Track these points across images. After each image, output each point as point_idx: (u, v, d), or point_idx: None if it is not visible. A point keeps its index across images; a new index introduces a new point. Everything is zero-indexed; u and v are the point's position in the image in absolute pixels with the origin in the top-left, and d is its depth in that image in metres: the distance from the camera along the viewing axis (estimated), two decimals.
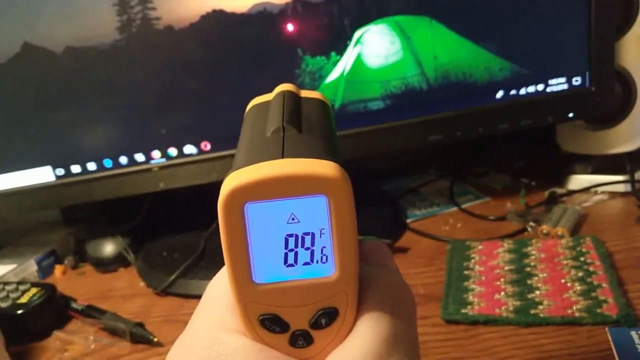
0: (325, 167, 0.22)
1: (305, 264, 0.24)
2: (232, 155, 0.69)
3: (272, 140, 0.24)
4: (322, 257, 0.24)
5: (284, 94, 0.27)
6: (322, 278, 0.24)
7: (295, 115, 0.25)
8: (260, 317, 0.24)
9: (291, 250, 0.23)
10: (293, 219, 0.23)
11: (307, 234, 0.23)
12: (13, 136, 0.61)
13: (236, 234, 0.23)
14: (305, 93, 0.28)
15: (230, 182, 0.22)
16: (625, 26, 0.62)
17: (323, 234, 0.23)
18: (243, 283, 0.24)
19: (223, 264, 0.24)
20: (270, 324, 0.24)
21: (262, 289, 0.24)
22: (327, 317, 0.24)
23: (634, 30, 0.61)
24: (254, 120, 0.27)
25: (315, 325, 0.24)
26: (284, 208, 0.23)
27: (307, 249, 0.23)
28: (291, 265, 0.24)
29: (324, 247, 0.24)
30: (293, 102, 0.26)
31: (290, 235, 0.23)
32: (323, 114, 0.27)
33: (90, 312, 0.57)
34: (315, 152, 0.23)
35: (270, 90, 0.29)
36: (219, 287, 0.26)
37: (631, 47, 0.63)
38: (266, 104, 0.27)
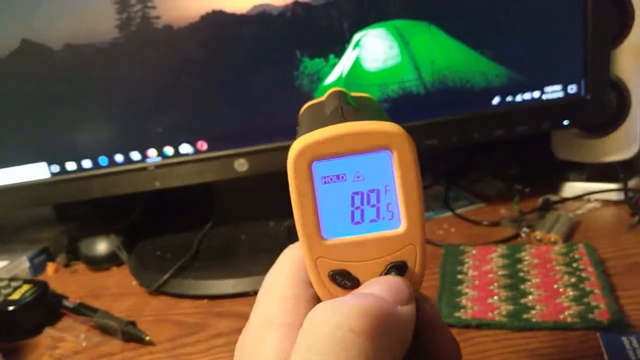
0: (387, 125, 0.24)
1: (372, 221, 0.25)
2: (229, 156, 0.69)
3: (332, 116, 0.25)
4: (388, 214, 0.25)
5: (335, 91, 0.28)
6: (390, 232, 0.25)
7: (351, 101, 0.27)
8: (331, 273, 0.25)
9: (357, 207, 0.25)
10: (358, 177, 0.24)
11: (372, 191, 0.24)
12: (9, 132, 0.61)
13: (305, 192, 0.24)
14: (354, 93, 0.29)
15: (298, 144, 0.24)
16: (620, 36, 0.62)
17: (388, 190, 0.24)
18: (313, 239, 0.25)
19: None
20: (340, 278, 0.25)
21: (331, 244, 0.25)
22: (397, 270, 0.25)
23: (629, 40, 0.62)
24: (311, 113, 0.28)
25: None
26: (349, 166, 0.24)
27: (373, 206, 0.25)
28: (358, 222, 0.25)
29: (389, 203, 0.25)
30: (346, 94, 0.28)
31: (356, 193, 0.24)
32: (376, 103, 0.28)
33: (82, 310, 0.57)
34: (375, 119, 0.24)
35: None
36: (271, 279, 0.27)
37: (626, 57, 0.63)
38: (320, 103, 0.29)
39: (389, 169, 0.24)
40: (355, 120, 0.24)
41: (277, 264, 0.28)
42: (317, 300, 0.26)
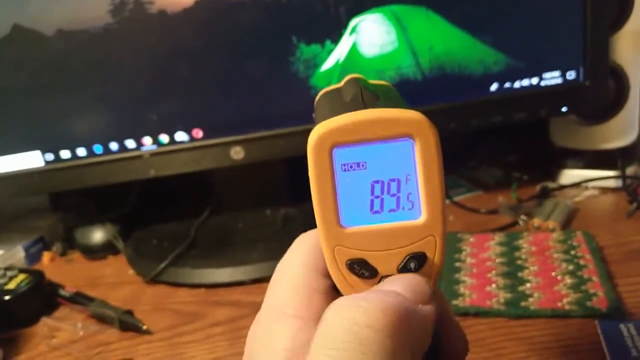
0: (410, 113, 0.23)
1: (391, 210, 0.24)
2: (225, 143, 0.68)
3: (352, 103, 0.25)
4: (408, 204, 0.24)
5: (353, 77, 0.28)
6: (410, 222, 0.24)
7: (371, 87, 0.26)
8: (348, 262, 0.25)
9: (377, 197, 0.24)
10: (379, 165, 0.24)
11: (392, 180, 0.24)
12: (1, 120, 0.60)
13: (324, 179, 0.24)
14: (372, 81, 0.29)
15: (319, 129, 0.23)
16: (619, 22, 0.62)
17: (409, 180, 0.24)
18: (331, 227, 0.24)
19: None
20: (358, 268, 0.25)
21: (349, 232, 0.24)
22: (416, 261, 0.24)
23: (628, 26, 0.61)
24: (329, 99, 0.27)
25: (404, 270, 0.25)
26: (370, 153, 0.24)
27: (393, 195, 0.24)
28: (377, 212, 0.24)
29: (410, 193, 0.24)
30: (365, 81, 0.27)
31: (377, 182, 0.24)
32: (395, 91, 0.27)
33: (79, 299, 0.57)
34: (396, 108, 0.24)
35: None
36: (284, 266, 0.27)
37: (625, 43, 0.63)
38: (337, 89, 0.28)
39: (410, 158, 0.23)
40: (376, 107, 0.24)
41: (290, 250, 0.27)
42: (332, 291, 0.26)
